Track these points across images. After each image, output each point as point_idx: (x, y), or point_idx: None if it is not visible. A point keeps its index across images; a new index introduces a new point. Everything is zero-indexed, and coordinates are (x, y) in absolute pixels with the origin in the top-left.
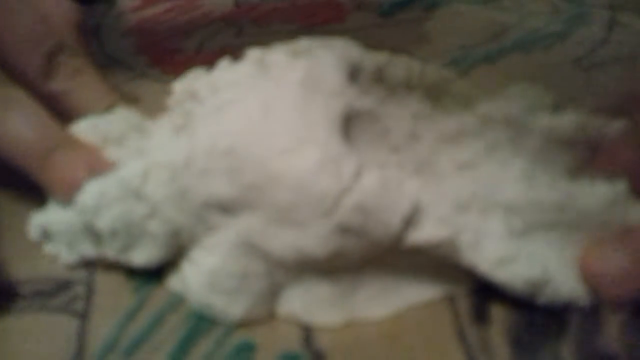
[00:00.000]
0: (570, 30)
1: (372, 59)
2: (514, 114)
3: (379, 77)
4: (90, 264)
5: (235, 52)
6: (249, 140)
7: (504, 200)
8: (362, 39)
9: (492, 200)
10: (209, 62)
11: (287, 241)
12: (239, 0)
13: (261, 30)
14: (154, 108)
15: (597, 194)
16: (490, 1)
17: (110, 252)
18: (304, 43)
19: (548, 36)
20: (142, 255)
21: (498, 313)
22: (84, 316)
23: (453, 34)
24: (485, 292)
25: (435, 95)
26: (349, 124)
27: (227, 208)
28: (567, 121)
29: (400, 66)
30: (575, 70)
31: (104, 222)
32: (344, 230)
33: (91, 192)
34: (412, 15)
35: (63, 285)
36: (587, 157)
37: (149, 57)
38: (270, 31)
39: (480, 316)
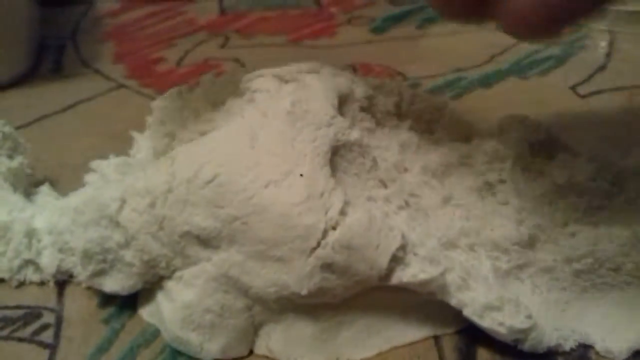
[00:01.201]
0: (567, 55)
1: (362, 87)
2: (517, 152)
3: (369, 106)
4: (60, 292)
5: (218, 66)
6: (234, 170)
7: (492, 238)
8: (351, 56)
9: (480, 238)
10: (191, 75)
11: (268, 276)
12: (224, 7)
13: (247, 43)
14: (132, 123)
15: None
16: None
17: (82, 275)
18: (292, 68)
19: (545, 60)
20: (115, 283)
21: (484, 355)
22: (52, 347)
23: (448, 54)
24: (471, 333)
25: (427, 123)
26: (337, 156)
27: (206, 240)
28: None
29: (391, 93)
30: (572, 97)
31: (77, 243)
32: (328, 267)
33: (67, 208)
34: (405, 32)
35: (32, 314)
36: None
37: (128, 67)
38: (256, 44)
39: (466, 359)
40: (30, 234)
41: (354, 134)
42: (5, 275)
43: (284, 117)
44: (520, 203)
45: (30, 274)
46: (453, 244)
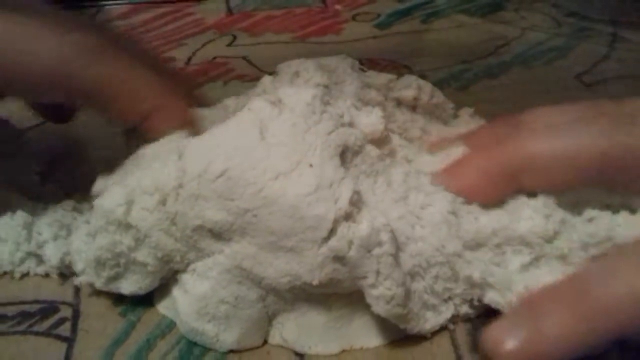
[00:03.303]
0: (571, 45)
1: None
2: None
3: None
4: (77, 286)
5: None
6: (244, 163)
7: (520, 233)
8: (357, 52)
9: (507, 234)
10: (200, 73)
11: (280, 267)
12: (231, 7)
13: (254, 41)
14: None
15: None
16: (491, 13)
17: (97, 282)
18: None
19: (549, 50)
20: (132, 284)
21: None
22: (70, 340)
23: (453, 47)
24: (484, 318)
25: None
26: (348, 152)
27: (219, 233)
28: None
29: (409, 87)
30: (578, 86)
31: (88, 253)
32: (340, 260)
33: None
34: (409, 27)
35: (49, 308)
36: None
37: None
38: (262, 41)
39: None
40: (29, 226)
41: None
42: (7, 268)
43: (301, 107)
44: (546, 196)
45: (34, 267)
46: (480, 244)
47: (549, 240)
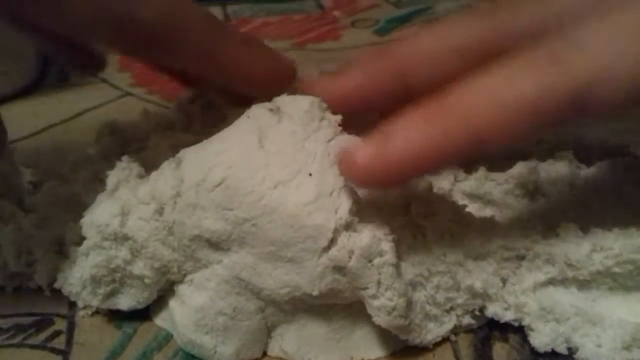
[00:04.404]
0: None
1: None
2: None
3: None
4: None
5: None
6: (242, 172)
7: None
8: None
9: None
10: None
11: (280, 277)
12: (228, 13)
13: None
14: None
15: None
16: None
17: (94, 301)
18: None
19: None
20: (129, 299)
21: (499, 352)
22: (65, 353)
23: None
24: (486, 330)
25: None
26: None
27: (217, 243)
28: None
29: None
30: None
31: (83, 272)
32: (340, 270)
33: None
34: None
35: (44, 321)
36: None
37: (133, 74)
38: None
39: (482, 357)
40: (19, 244)
41: None
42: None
43: (300, 115)
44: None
45: (25, 281)
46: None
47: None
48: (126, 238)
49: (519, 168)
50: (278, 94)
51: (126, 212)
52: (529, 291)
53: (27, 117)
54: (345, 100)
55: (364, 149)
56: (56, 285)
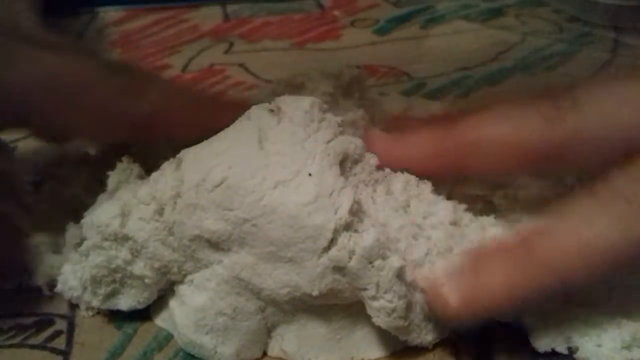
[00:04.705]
0: (573, 51)
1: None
2: None
3: None
4: None
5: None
6: (243, 172)
7: None
8: (356, 58)
9: None
10: (197, 81)
11: (280, 278)
12: (228, 13)
13: (251, 48)
14: None
15: None
16: (491, 19)
17: (95, 301)
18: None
19: (551, 56)
20: (130, 299)
21: (500, 354)
22: (65, 354)
23: (453, 53)
24: (487, 333)
25: None
26: (348, 160)
27: (217, 243)
28: None
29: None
30: None
31: (83, 273)
32: (340, 270)
33: None
34: (409, 33)
35: (44, 321)
36: None
37: None
38: (260, 48)
39: (483, 357)
40: None
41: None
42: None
43: (300, 116)
44: None
45: (25, 281)
46: None
47: None
48: (126, 238)
49: None
50: None
51: (126, 213)
52: None
53: None
54: (400, 164)
55: (454, 294)
56: (56, 290)
